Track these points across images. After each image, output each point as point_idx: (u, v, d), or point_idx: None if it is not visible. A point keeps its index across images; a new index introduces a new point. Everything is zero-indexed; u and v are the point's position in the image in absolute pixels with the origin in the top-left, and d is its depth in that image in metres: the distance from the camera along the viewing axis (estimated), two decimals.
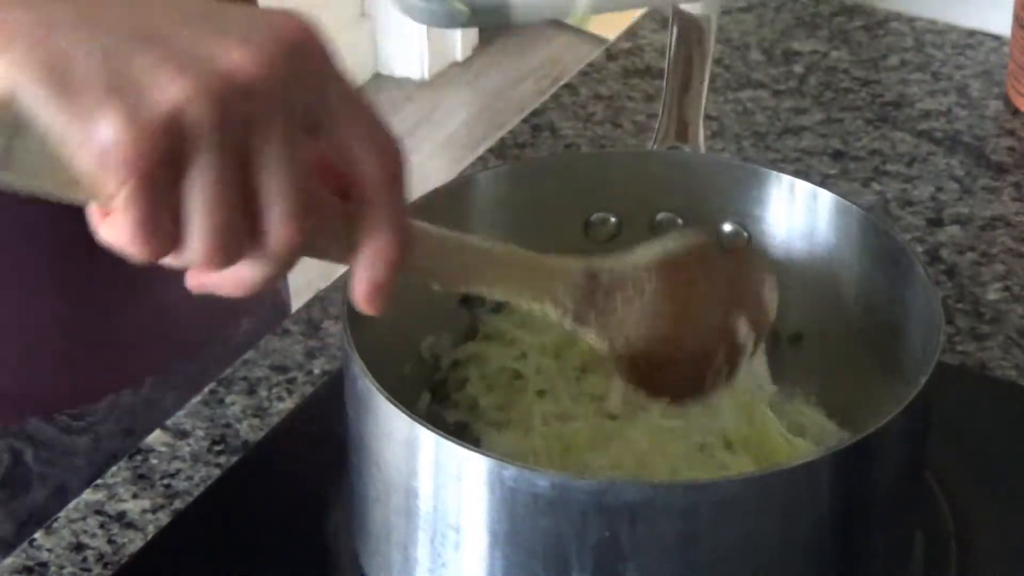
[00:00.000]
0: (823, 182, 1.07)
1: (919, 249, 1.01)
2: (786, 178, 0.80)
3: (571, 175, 0.81)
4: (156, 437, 0.84)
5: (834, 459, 0.65)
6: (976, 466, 0.83)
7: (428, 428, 0.64)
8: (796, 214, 0.80)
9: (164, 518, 0.80)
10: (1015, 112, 1.16)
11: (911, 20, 1.27)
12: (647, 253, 0.72)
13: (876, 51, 1.24)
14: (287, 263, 0.58)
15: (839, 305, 0.79)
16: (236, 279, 0.58)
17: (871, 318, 0.78)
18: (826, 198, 0.79)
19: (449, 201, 0.78)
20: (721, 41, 1.26)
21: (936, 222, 1.04)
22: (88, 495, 0.81)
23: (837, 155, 1.11)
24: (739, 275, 0.74)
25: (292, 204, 0.56)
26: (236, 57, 0.54)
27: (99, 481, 0.82)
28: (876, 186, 1.07)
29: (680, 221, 0.81)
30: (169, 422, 0.85)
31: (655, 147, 0.84)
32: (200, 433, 0.85)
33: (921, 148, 1.12)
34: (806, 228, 0.79)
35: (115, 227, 0.54)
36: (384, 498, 0.68)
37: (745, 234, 0.81)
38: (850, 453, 0.65)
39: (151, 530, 0.79)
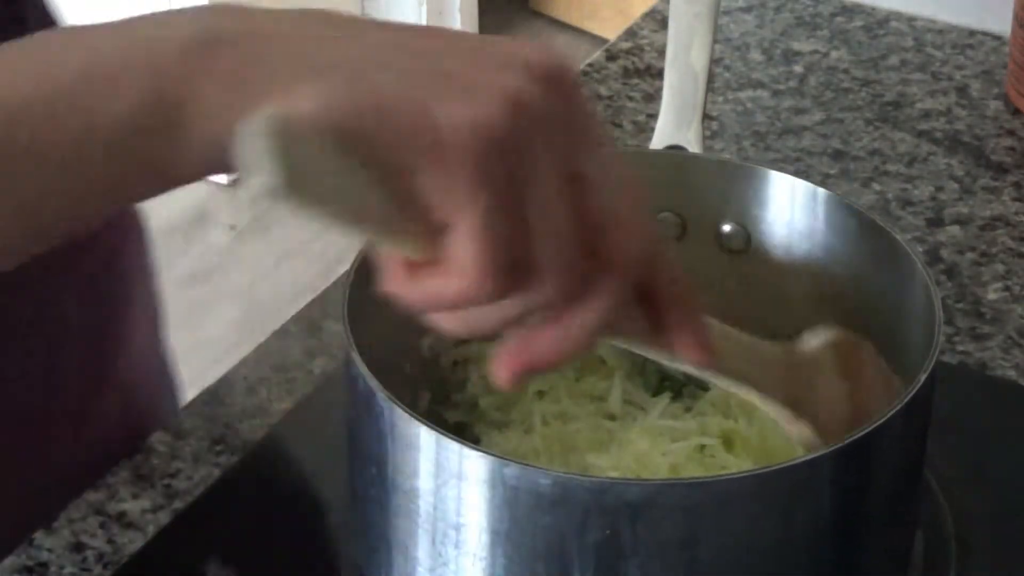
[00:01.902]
0: (823, 182, 1.07)
1: (919, 249, 1.01)
2: (786, 178, 0.80)
3: None
4: (156, 437, 0.84)
5: (834, 457, 0.65)
6: (976, 466, 0.83)
7: (429, 426, 0.64)
8: (796, 214, 0.80)
9: (164, 518, 0.80)
10: (1015, 112, 1.16)
11: (911, 20, 1.28)
12: (812, 342, 0.72)
13: (876, 51, 1.24)
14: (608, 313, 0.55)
15: (839, 304, 0.79)
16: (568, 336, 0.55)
17: (871, 317, 0.77)
18: (826, 198, 0.79)
19: None
20: (721, 41, 1.26)
21: (936, 222, 1.04)
22: (88, 495, 0.81)
23: (837, 155, 1.11)
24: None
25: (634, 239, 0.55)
26: (544, 63, 0.53)
27: (99, 481, 0.82)
28: (876, 186, 1.08)
29: (680, 222, 0.81)
30: (169, 422, 0.85)
31: (654, 147, 0.85)
32: (200, 433, 0.85)
33: (921, 148, 1.12)
34: (806, 228, 0.79)
35: (451, 268, 0.51)
36: (384, 498, 0.68)
37: (745, 233, 0.81)
38: (850, 451, 0.65)
39: (151, 530, 0.79)
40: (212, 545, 0.79)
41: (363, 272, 0.72)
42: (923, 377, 0.67)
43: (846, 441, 0.64)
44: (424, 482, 0.65)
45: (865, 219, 0.77)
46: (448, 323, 0.54)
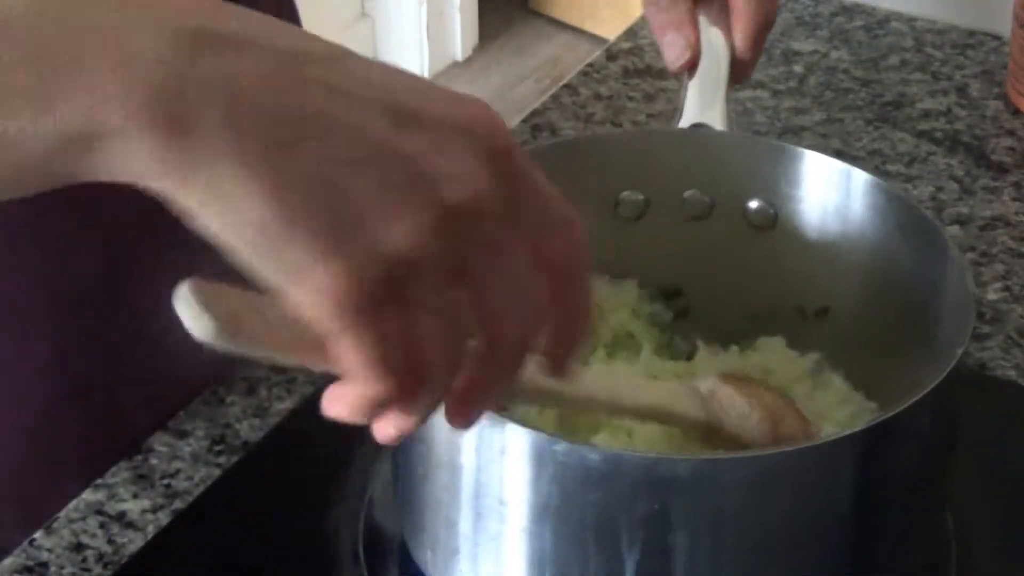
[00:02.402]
0: None
1: None
2: (815, 155, 0.81)
3: (600, 154, 0.83)
4: (156, 437, 0.84)
5: (874, 431, 0.66)
6: (976, 466, 0.83)
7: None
8: (825, 192, 0.81)
9: (164, 518, 0.80)
10: (1015, 112, 1.16)
11: (911, 20, 1.28)
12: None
13: (876, 51, 1.24)
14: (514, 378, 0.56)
15: (869, 282, 0.80)
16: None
17: (902, 296, 0.78)
18: (856, 176, 0.80)
19: None
20: None
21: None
22: (88, 495, 0.81)
23: (837, 155, 1.11)
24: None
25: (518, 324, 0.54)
26: (457, 187, 0.52)
27: (99, 481, 0.82)
28: None
29: (707, 199, 0.82)
30: (169, 422, 0.85)
31: (681, 126, 0.85)
32: (200, 433, 0.85)
33: (921, 148, 1.12)
34: (835, 206, 0.80)
35: (347, 385, 0.52)
36: (432, 475, 0.69)
37: (772, 211, 0.81)
38: (889, 425, 0.65)
39: (151, 530, 0.79)
40: (212, 545, 0.79)
41: None
42: (959, 352, 0.67)
43: (887, 415, 0.65)
44: (467, 458, 0.67)
45: (896, 198, 0.78)
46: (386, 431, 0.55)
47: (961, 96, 1.18)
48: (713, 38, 0.87)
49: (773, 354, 0.81)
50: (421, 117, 0.53)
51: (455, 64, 3.31)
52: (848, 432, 0.66)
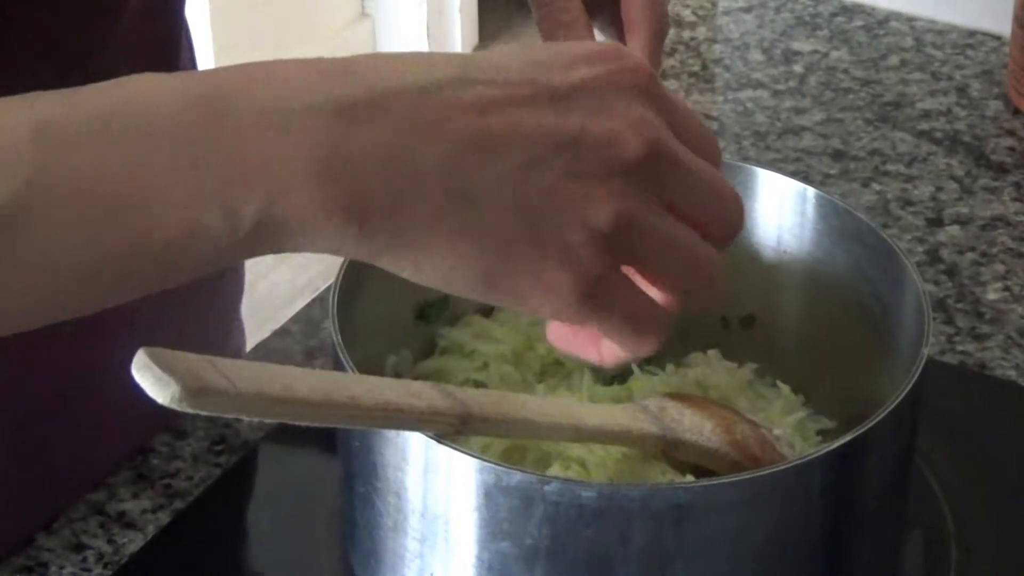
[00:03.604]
0: (823, 182, 1.08)
1: (919, 249, 1.01)
2: (768, 174, 0.80)
3: None
4: (156, 437, 0.84)
5: (835, 455, 0.65)
6: (976, 466, 0.83)
7: (460, 451, 0.63)
8: (780, 209, 0.80)
9: (164, 518, 0.80)
10: (1015, 112, 1.16)
11: (911, 20, 1.28)
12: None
13: (876, 51, 1.24)
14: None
15: (807, 289, 0.80)
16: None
17: (845, 303, 0.78)
18: (808, 195, 0.79)
19: None
20: (721, 41, 1.26)
21: (936, 222, 1.04)
22: (88, 495, 0.81)
23: (837, 155, 1.11)
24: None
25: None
26: (631, 141, 0.55)
27: (99, 481, 0.82)
28: (876, 186, 1.08)
29: None
30: (169, 422, 0.85)
31: None
32: (200, 433, 0.85)
33: (921, 148, 1.12)
34: (790, 223, 0.80)
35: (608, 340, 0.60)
36: (403, 525, 0.67)
37: None
38: (850, 448, 0.65)
39: (151, 530, 0.79)
40: (212, 545, 0.79)
41: (350, 280, 0.72)
42: (922, 360, 0.67)
43: (875, 421, 0.65)
44: (457, 506, 0.64)
45: (854, 217, 0.77)
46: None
47: (961, 96, 1.18)
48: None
49: (709, 368, 0.80)
50: (568, 89, 0.55)
51: None
52: (838, 443, 0.64)
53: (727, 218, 0.61)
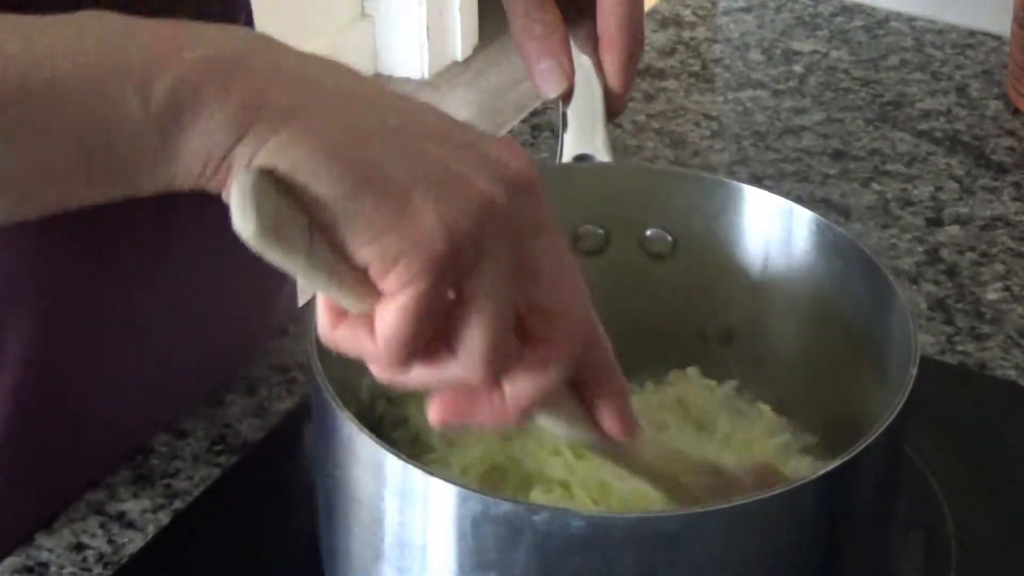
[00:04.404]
0: (823, 182, 1.08)
1: (919, 249, 1.01)
2: (704, 177, 0.80)
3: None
4: (156, 437, 0.84)
5: (829, 478, 0.65)
6: (976, 466, 0.83)
7: (443, 479, 0.63)
8: (722, 215, 0.79)
9: (164, 518, 0.80)
10: (1015, 112, 1.16)
11: (911, 20, 1.28)
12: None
13: (876, 51, 1.24)
14: (551, 386, 0.59)
15: (791, 306, 0.80)
16: (497, 408, 0.59)
17: (828, 318, 0.77)
18: (752, 195, 0.78)
19: None
20: (721, 41, 1.26)
21: (936, 222, 1.04)
22: (88, 495, 0.81)
23: (837, 155, 1.11)
24: None
25: (574, 324, 0.59)
26: (513, 168, 0.57)
27: (99, 481, 0.82)
28: (876, 186, 1.08)
29: (601, 231, 0.81)
30: (169, 422, 0.85)
31: (560, 160, 0.83)
32: (200, 433, 0.85)
33: (921, 148, 1.12)
34: (735, 228, 0.79)
35: (377, 328, 0.56)
36: (394, 556, 0.66)
37: (669, 238, 0.80)
38: (844, 470, 0.65)
39: (151, 530, 0.79)
40: (212, 545, 0.79)
41: None
42: (895, 412, 0.66)
43: (844, 459, 0.64)
44: (440, 536, 0.64)
45: (837, 233, 0.77)
46: (374, 370, 0.58)
47: (961, 96, 1.18)
48: (585, 66, 0.85)
49: (689, 385, 0.80)
50: (466, 142, 0.58)
51: (455, 64, 3.31)
52: (826, 470, 0.64)
53: (568, 330, 0.59)
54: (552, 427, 0.63)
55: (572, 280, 0.59)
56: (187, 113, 0.54)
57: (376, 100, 0.57)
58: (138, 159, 0.55)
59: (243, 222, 0.53)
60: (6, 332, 0.79)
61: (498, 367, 0.57)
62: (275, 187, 0.54)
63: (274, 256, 0.54)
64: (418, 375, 0.57)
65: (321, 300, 0.58)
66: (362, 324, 0.57)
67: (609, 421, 0.62)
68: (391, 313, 0.55)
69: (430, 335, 0.56)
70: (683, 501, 0.68)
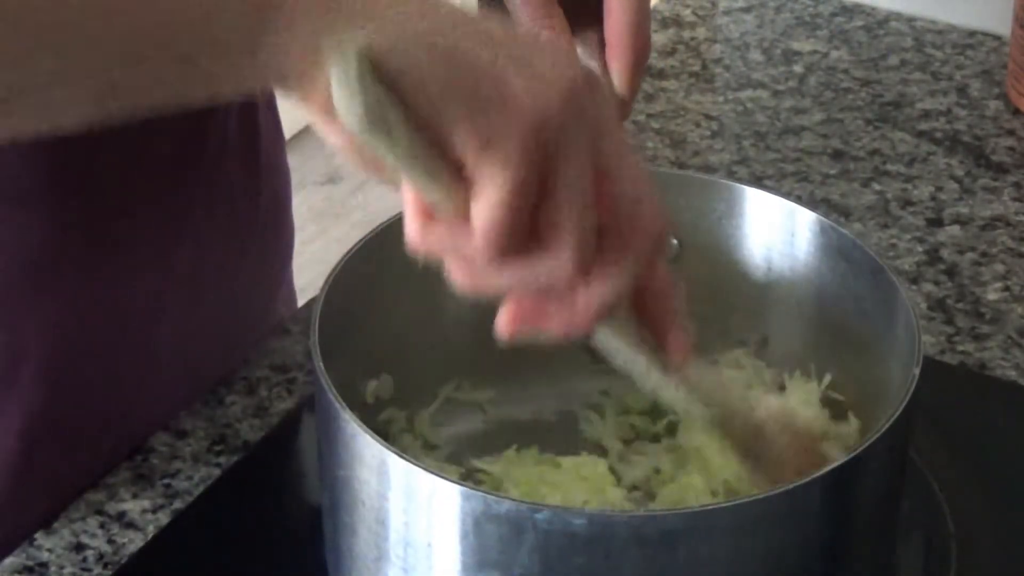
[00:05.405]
0: (823, 182, 1.08)
1: (919, 249, 1.01)
2: (712, 180, 0.80)
3: None
4: (156, 437, 0.84)
5: (833, 475, 0.65)
6: (976, 466, 0.83)
7: (445, 478, 0.63)
8: (728, 219, 0.80)
9: (164, 518, 0.80)
10: (1015, 112, 1.16)
11: (911, 20, 1.28)
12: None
13: (876, 51, 1.24)
14: (624, 284, 0.60)
15: (801, 312, 0.80)
16: (570, 314, 0.60)
17: (848, 329, 0.78)
18: (759, 198, 0.79)
19: None
20: (721, 41, 1.26)
21: (936, 222, 1.04)
22: (88, 495, 0.81)
23: (837, 155, 1.11)
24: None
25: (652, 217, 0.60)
26: (581, 63, 0.58)
27: (99, 481, 0.82)
28: (876, 186, 1.08)
29: None
30: (169, 422, 0.85)
31: None
32: (200, 433, 0.85)
33: (921, 148, 1.12)
34: (743, 232, 0.79)
35: (475, 220, 0.56)
36: (390, 553, 0.66)
37: (675, 243, 0.80)
38: (845, 470, 0.65)
39: (151, 530, 0.79)
40: (212, 545, 0.79)
41: (332, 305, 0.71)
42: (899, 410, 0.66)
43: (848, 458, 0.64)
44: (446, 532, 0.64)
45: (840, 234, 0.77)
46: (458, 276, 0.59)
47: (961, 96, 1.18)
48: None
49: (738, 366, 0.80)
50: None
51: None
52: (831, 468, 0.64)
53: (645, 216, 0.60)
54: (612, 345, 0.63)
55: (641, 172, 0.60)
56: (269, 11, 0.55)
57: (447, 5, 0.59)
58: (237, 43, 0.56)
59: (348, 108, 0.53)
60: (22, 351, 0.79)
61: (587, 259, 0.58)
62: (373, 74, 0.54)
63: (378, 143, 0.55)
64: (508, 274, 0.58)
65: (409, 203, 0.58)
66: (456, 223, 0.57)
67: (673, 336, 0.64)
68: (489, 202, 0.56)
69: (524, 228, 0.57)
70: (731, 429, 0.68)
